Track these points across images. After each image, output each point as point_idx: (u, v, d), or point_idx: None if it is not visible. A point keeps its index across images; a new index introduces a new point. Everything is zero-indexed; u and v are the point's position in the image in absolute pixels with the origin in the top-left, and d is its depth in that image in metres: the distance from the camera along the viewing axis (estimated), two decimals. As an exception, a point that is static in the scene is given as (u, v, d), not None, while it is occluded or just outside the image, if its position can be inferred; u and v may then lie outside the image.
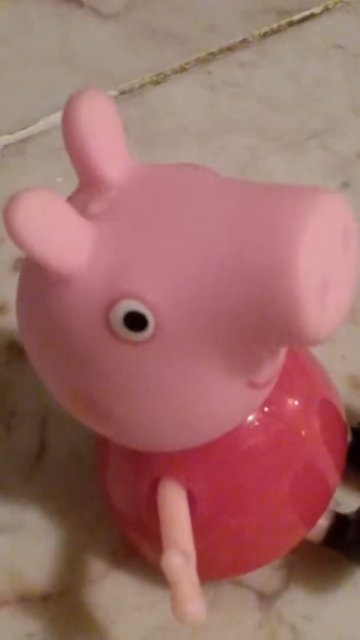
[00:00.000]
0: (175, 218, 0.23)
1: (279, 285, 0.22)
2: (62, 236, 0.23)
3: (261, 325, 0.23)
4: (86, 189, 0.25)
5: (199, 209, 0.23)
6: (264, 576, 0.32)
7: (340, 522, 0.31)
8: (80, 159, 0.25)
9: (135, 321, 0.23)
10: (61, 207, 0.23)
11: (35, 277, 0.25)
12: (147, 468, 0.29)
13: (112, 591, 0.32)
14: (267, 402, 0.28)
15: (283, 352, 0.27)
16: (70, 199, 0.25)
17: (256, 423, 0.28)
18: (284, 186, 0.23)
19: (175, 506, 0.28)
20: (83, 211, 0.24)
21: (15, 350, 0.38)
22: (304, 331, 0.22)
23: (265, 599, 0.32)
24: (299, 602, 0.32)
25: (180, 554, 0.26)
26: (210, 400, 0.25)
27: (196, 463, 0.28)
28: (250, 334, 0.23)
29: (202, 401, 0.25)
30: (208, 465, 0.28)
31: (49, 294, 0.24)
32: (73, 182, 0.25)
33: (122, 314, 0.23)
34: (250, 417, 0.28)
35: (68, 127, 0.24)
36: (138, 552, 0.32)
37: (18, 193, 0.22)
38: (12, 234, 0.22)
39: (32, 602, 0.32)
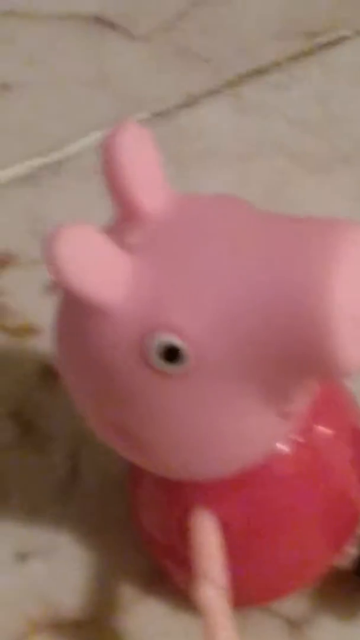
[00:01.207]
0: (212, 251, 0.23)
1: (314, 320, 0.22)
2: (101, 270, 0.23)
3: (295, 358, 0.23)
4: (125, 220, 0.25)
5: (235, 243, 0.23)
6: (293, 603, 0.32)
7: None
8: (119, 192, 0.25)
9: (172, 354, 0.23)
10: (100, 241, 0.23)
11: (73, 308, 0.25)
12: (180, 497, 0.29)
13: (144, 617, 0.32)
14: (298, 431, 0.28)
15: (314, 382, 0.27)
16: (109, 230, 0.25)
17: (287, 452, 0.28)
18: (316, 220, 0.23)
19: (207, 535, 0.28)
20: (121, 242, 0.24)
21: (49, 373, 0.38)
22: (337, 363, 0.22)
23: (295, 626, 0.32)
24: (328, 630, 0.32)
25: (213, 586, 0.26)
26: (243, 431, 0.25)
27: (227, 493, 0.28)
28: (284, 366, 0.23)
29: (234, 432, 0.25)
30: (239, 494, 0.28)
31: (86, 325, 0.24)
32: (106, 202, 0.25)
33: (160, 346, 0.23)
34: (282, 446, 0.28)
35: (108, 161, 0.25)
36: (169, 577, 0.32)
37: (59, 227, 0.22)
38: (53, 268, 0.22)
39: (64, 628, 0.32)
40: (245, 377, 0.23)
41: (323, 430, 0.29)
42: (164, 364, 0.23)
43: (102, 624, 0.32)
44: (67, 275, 0.22)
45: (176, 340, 0.23)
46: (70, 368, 0.26)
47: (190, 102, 0.48)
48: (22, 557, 0.34)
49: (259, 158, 0.46)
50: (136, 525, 0.32)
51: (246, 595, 0.31)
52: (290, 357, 0.23)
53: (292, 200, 0.44)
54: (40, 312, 0.39)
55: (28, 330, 0.39)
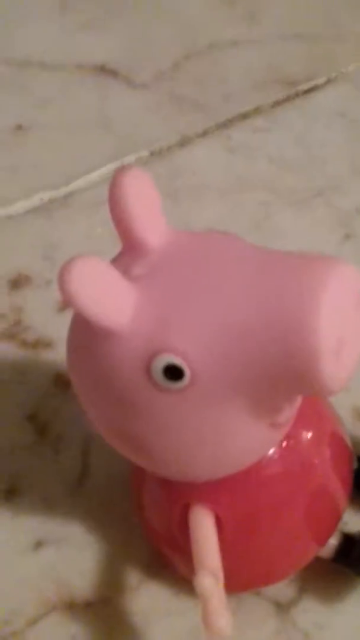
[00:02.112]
0: (208, 280, 0.23)
1: (302, 344, 0.21)
2: (109, 298, 0.23)
3: (284, 377, 0.22)
4: (129, 253, 0.25)
5: (229, 273, 0.23)
6: (281, 588, 0.31)
7: (348, 542, 0.31)
8: (124, 227, 0.24)
9: (173, 373, 0.23)
10: (108, 271, 0.23)
11: (84, 331, 0.24)
12: (179, 495, 0.28)
13: (148, 599, 0.32)
14: (284, 437, 0.27)
15: (300, 397, 0.26)
16: (114, 262, 0.25)
17: (275, 455, 0.28)
18: (305, 254, 0.23)
19: (204, 530, 0.27)
20: (126, 273, 0.24)
21: (61, 382, 0.37)
22: (322, 383, 0.22)
23: (282, 608, 0.31)
24: (311, 612, 0.31)
25: (210, 575, 0.26)
26: (237, 440, 0.25)
27: (223, 491, 0.28)
28: (273, 384, 0.23)
29: (230, 441, 0.25)
30: (233, 493, 0.28)
31: (96, 347, 0.24)
32: (110, 232, 0.25)
33: (162, 366, 0.23)
34: (271, 450, 0.28)
35: (114, 200, 0.24)
36: (170, 564, 0.31)
37: (71, 260, 0.22)
38: (66, 296, 0.22)
39: (76, 608, 0.32)
40: (238, 394, 0.23)
41: (306, 433, 0.29)
42: (166, 381, 0.23)
43: (110, 605, 0.32)
44: (78, 301, 0.22)
45: (176, 360, 0.22)
46: (80, 382, 0.25)
47: (184, 142, 0.48)
48: (38, 545, 0.33)
49: (245, 193, 0.45)
50: (139, 518, 0.31)
51: (239, 582, 0.30)
52: (280, 379, 0.22)
53: (275, 230, 0.44)
54: (53, 327, 0.39)
55: (43, 344, 0.39)
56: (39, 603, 0.32)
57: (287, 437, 0.28)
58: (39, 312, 0.40)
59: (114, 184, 0.24)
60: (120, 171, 0.24)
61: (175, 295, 0.23)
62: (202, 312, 0.23)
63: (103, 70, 0.52)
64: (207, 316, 0.23)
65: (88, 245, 0.42)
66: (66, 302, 0.22)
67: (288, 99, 0.50)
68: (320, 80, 0.51)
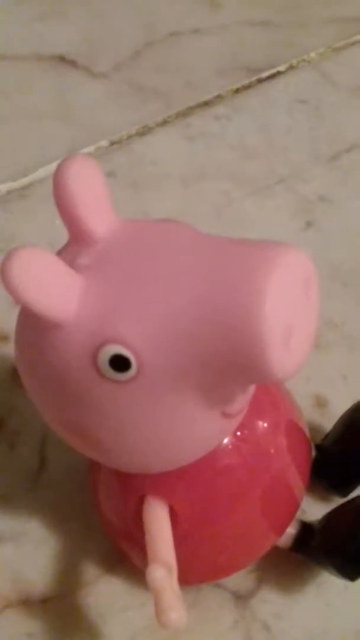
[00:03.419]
0: (154, 270, 0.23)
1: (247, 332, 0.21)
2: (53, 288, 0.22)
3: (232, 366, 0.22)
4: (75, 243, 0.24)
5: (176, 262, 0.23)
6: (239, 578, 0.31)
7: (306, 531, 0.31)
8: (69, 217, 0.24)
9: (120, 363, 0.22)
10: (52, 261, 0.22)
11: (30, 323, 0.24)
12: (133, 487, 0.28)
13: (105, 593, 0.32)
14: (239, 426, 0.27)
15: (253, 385, 0.26)
16: (61, 253, 0.25)
17: (229, 445, 0.28)
18: (252, 242, 0.23)
19: (158, 522, 0.27)
20: (72, 263, 0.23)
21: (18, 376, 0.37)
22: (270, 372, 0.22)
23: (240, 599, 0.31)
24: (270, 602, 0.31)
25: (162, 567, 0.26)
26: (188, 430, 0.24)
27: (176, 482, 0.27)
28: (222, 373, 0.22)
29: (180, 431, 0.24)
30: (187, 484, 0.28)
31: (42, 339, 0.24)
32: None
33: (108, 357, 0.22)
34: (225, 440, 0.28)
35: (58, 189, 0.24)
36: (127, 558, 0.31)
37: (13, 250, 0.22)
38: (9, 287, 0.22)
39: (33, 604, 0.31)
40: (187, 382, 0.23)
41: (261, 423, 0.29)
42: (112, 372, 0.23)
43: (67, 600, 0.32)
44: (21, 293, 0.22)
45: (122, 350, 0.22)
46: (28, 376, 0.25)
47: (144, 132, 0.47)
48: (-4, 541, 0.33)
49: (206, 181, 0.45)
50: (96, 512, 0.31)
51: (197, 574, 0.30)
52: (229, 367, 0.22)
53: (237, 218, 0.43)
54: (10, 321, 0.38)
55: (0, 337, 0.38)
56: (-5, 600, 0.32)
57: (242, 426, 0.27)
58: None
59: (59, 172, 0.24)
60: (65, 159, 0.24)
61: (121, 284, 0.23)
62: (148, 302, 0.22)
63: (62, 60, 0.51)
64: (153, 305, 0.22)
65: (47, 237, 0.41)
66: (10, 295, 0.22)
67: (250, 86, 0.49)
68: (282, 67, 0.50)
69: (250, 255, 0.22)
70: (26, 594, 0.32)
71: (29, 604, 0.31)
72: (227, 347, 0.22)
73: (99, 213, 0.24)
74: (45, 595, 0.32)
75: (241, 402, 0.25)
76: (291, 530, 0.31)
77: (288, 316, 0.22)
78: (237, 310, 0.21)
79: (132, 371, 0.22)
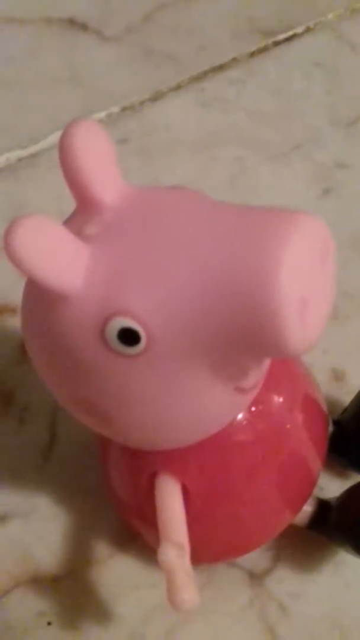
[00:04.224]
0: (165, 239, 0.22)
1: (262, 303, 0.20)
2: (59, 258, 0.21)
3: (246, 339, 0.21)
4: (82, 211, 0.24)
5: (188, 231, 0.22)
6: (255, 557, 0.31)
7: (323, 508, 0.30)
8: (76, 184, 0.23)
9: (129, 336, 0.22)
10: (57, 230, 0.21)
11: (36, 295, 0.23)
12: (145, 464, 0.27)
13: (116, 572, 0.31)
14: (254, 402, 0.26)
15: (268, 359, 0.25)
16: (67, 222, 0.24)
17: (244, 421, 0.27)
18: (267, 209, 0.22)
19: (170, 500, 0.27)
20: (79, 233, 0.23)
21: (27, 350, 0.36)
22: (285, 345, 0.21)
23: (256, 578, 0.31)
24: (286, 581, 0.31)
25: (174, 547, 0.25)
26: (201, 406, 0.24)
27: (189, 459, 0.27)
28: (235, 346, 0.22)
29: (193, 407, 0.23)
30: (200, 461, 0.27)
31: (49, 312, 0.23)
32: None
33: (116, 330, 0.22)
34: (239, 416, 0.27)
35: (64, 155, 0.23)
36: (138, 536, 0.31)
37: (17, 219, 0.21)
38: (12, 258, 0.21)
39: (43, 582, 0.31)
40: (199, 356, 0.22)
41: (277, 398, 0.28)
42: (121, 345, 0.22)
43: (78, 578, 0.31)
44: (26, 264, 0.21)
45: (131, 323, 0.21)
46: (36, 350, 0.24)
47: (157, 97, 0.46)
48: (3, 518, 0.33)
49: (220, 147, 0.44)
50: (107, 489, 0.30)
51: (211, 553, 0.30)
52: (242, 339, 0.21)
53: (251, 184, 0.42)
54: (18, 294, 0.37)
55: (8, 310, 0.38)
56: (4, 578, 0.31)
57: (256, 401, 0.26)
58: (3, 278, 0.38)
59: (64, 136, 0.23)
60: (71, 123, 0.23)
61: (130, 255, 0.22)
62: (158, 272, 0.21)
63: (72, 23, 0.50)
64: (163, 276, 0.21)
65: (57, 205, 0.40)
66: (14, 266, 0.21)
67: (265, 49, 0.48)
68: (299, 29, 0.49)
69: (265, 223, 0.21)
70: (36, 572, 0.31)
71: (39, 582, 0.31)
72: (240, 320, 0.21)
73: (106, 180, 0.23)
74: (56, 574, 0.31)
75: (256, 377, 0.24)
76: (308, 508, 0.30)
77: (304, 287, 0.21)
78: (251, 280, 0.20)
79: (142, 345, 0.22)
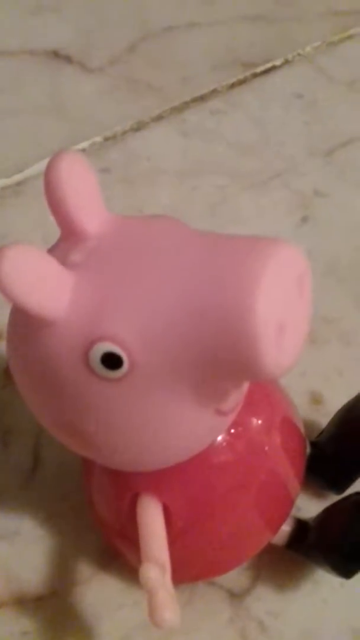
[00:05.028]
0: (146, 267, 0.23)
1: (239, 327, 0.21)
2: (43, 286, 0.22)
3: (224, 363, 0.22)
4: (67, 239, 0.24)
5: (169, 259, 0.23)
6: (234, 576, 0.31)
7: (301, 528, 0.31)
8: (60, 213, 0.24)
9: (112, 361, 0.22)
10: (42, 258, 0.22)
11: (22, 321, 0.24)
12: (127, 485, 0.28)
13: (99, 592, 0.32)
14: (233, 424, 0.27)
15: (247, 383, 0.26)
16: (52, 250, 0.24)
17: (223, 443, 0.28)
18: (245, 238, 0.23)
19: (152, 520, 0.27)
20: (64, 260, 0.23)
21: (11, 373, 0.37)
22: (262, 368, 0.22)
23: (235, 596, 0.31)
24: (265, 600, 0.31)
25: (155, 566, 0.26)
26: (181, 428, 0.24)
27: (170, 480, 0.27)
28: (215, 370, 0.22)
29: (173, 429, 0.24)
30: (181, 482, 0.27)
31: (34, 337, 0.23)
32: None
33: (100, 354, 0.22)
34: (219, 438, 0.28)
35: (49, 185, 0.24)
36: (120, 556, 0.31)
37: (3, 248, 0.21)
38: (-1, 285, 0.21)
39: (27, 603, 0.31)
40: (179, 380, 0.23)
41: (255, 420, 0.29)
42: (104, 369, 0.23)
43: (61, 598, 0.32)
44: (11, 292, 0.22)
45: (114, 348, 0.22)
46: (20, 374, 0.25)
47: (139, 127, 0.47)
48: (-12, 540, 0.33)
49: (201, 176, 0.45)
50: (90, 510, 0.31)
51: (192, 572, 0.30)
52: (221, 364, 0.22)
53: (232, 214, 0.43)
54: (4, 318, 0.38)
55: (-8, 335, 0.38)
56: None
57: (235, 423, 0.27)
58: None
59: (49, 168, 0.24)
60: (56, 155, 0.24)
61: (113, 282, 0.23)
62: (140, 299, 0.22)
63: (56, 55, 0.51)
64: (145, 303, 0.22)
65: (41, 233, 0.41)
66: (1, 293, 0.22)
67: (245, 81, 0.49)
68: (278, 61, 0.50)
69: (243, 251, 0.22)
70: (20, 592, 0.32)
71: (23, 602, 0.31)
72: (219, 344, 0.22)
73: (90, 209, 0.24)
74: (39, 594, 0.32)
75: (235, 399, 0.25)
76: (286, 527, 0.31)
77: (281, 313, 0.22)
78: (229, 306, 0.21)
79: (124, 369, 0.22)
